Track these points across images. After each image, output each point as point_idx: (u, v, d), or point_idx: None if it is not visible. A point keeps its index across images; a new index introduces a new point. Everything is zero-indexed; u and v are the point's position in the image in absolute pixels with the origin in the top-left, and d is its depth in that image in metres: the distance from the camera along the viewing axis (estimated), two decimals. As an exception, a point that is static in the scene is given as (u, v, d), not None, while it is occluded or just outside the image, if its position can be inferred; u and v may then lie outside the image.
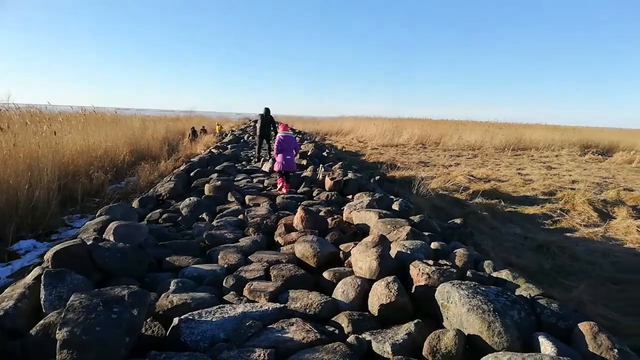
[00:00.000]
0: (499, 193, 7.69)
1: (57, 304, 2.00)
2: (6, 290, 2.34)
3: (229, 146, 11.86)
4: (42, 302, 2.02)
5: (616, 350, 1.61)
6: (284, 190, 5.50)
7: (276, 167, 5.64)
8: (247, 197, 5.00)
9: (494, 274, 2.41)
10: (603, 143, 20.08)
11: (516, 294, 2.10)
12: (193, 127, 16.79)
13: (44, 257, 2.35)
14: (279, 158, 5.57)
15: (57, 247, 2.35)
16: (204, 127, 19.63)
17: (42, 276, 2.09)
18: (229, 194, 5.11)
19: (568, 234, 5.70)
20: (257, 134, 9.35)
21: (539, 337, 1.67)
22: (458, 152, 16.54)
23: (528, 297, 2.03)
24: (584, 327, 1.72)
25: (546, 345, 1.61)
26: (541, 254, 4.75)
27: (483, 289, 1.93)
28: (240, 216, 4.09)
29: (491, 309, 1.77)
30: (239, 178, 6.58)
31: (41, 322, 1.85)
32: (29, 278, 2.28)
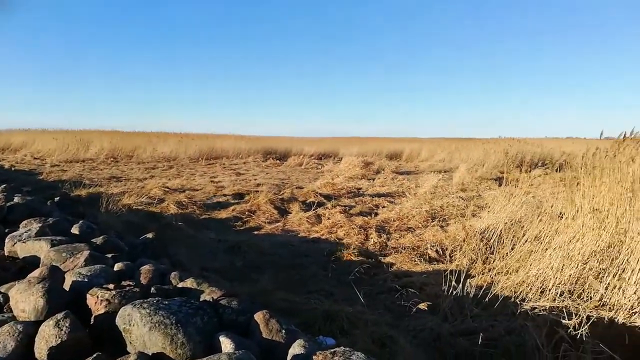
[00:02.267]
0: (194, 202, 7.88)
1: None
2: None
3: None
4: None
5: (284, 331, 1.83)
6: None
7: None
8: None
9: (180, 285, 2.40)
10: (280, 149, 23.31)
11: (201, 299, 2.14)
12: None
13: None
14: None
15: None
16: None
17: None
18: None
19: (255, 232, 6.34)
20: None
21: (220, 337, 1.74)
22: (153, 164, 16.22)
23: (211, 300, 2.10)
24: (258, 316, 1.89)
25: (226, 344, 1.69)
26: (234, 254, 5.10)
27: (166, 302, 1.88)
28: None
29: (173, 321, 1.74)
30: None
31: None
32: None
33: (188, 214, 7.01)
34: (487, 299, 3.24)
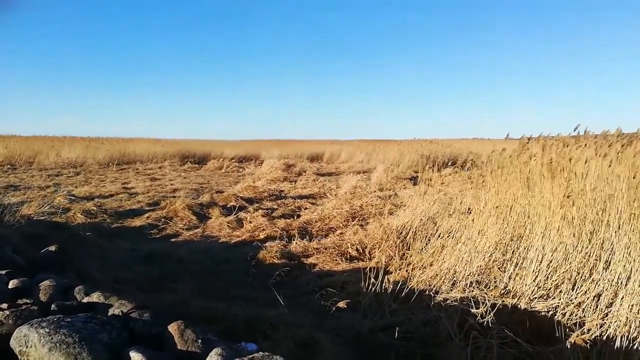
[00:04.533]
0: (104, 210, 7.39)
1: None
2: None
3: None
4: None
5: (200, 341, 1.76)
6: None
7: None
8: None
9: (86, 299, 2.23)
10: (199, 153, 22.64)
11: (109, 314, 2.00)
12: None
13: None
14: None
15: None
16: None
17: None
18: None
19: (173, 239, 6.08)
20: None
21: (130, 352, 1.63)
22: (58, 170, 15.00)
23: (120, 314, 1.97)
24: (172, 327, 1.80)
25: (136, 359, 1.59)
26: (149, 264, 4.84)
27: (69, 320, 1.73)
28: None
29: (77, 339, 1.60)
30: None
31: None
32: None
33: (98, 223, 6.56)
34: (404, 294, 3.37)
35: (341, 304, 3.19)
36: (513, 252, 3.63)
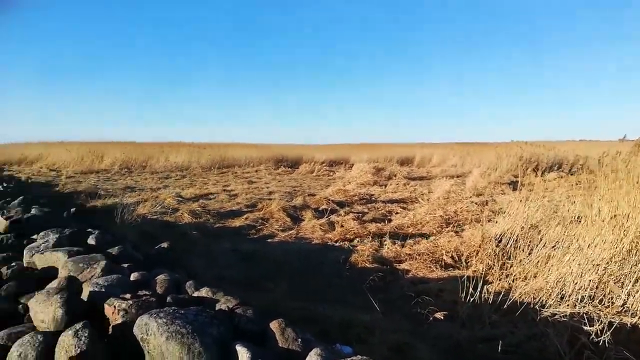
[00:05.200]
0: (208, 210, 7.91)
1: None
2: None
3: None
4: None
5: (300, 340, 1.82)
6: None
7: None
8: None
9: (196, 294, 2.41)
10: (291, 157, 23.35)
11: (216, 309, 2.14)
12: None
13: None
14: None
15: None
16: None
17: None
18: None
19: (269, 240, 6.32)
20: None
21: (237, 347, 1.73)
22: (166, 173, 16.39)
23: (227, 309, 2.10)
24: (274, 325, 1.88)
25: (242, 353, 1.68)
26: (248, 263, 5.09)
27: (182, 312, 1.88)
28: None
29: (190, 330, 1.74)
30: None
31: None
32: None
33: (202, 223, 7.04)
34: (505, 306, 3.18)
35: (439, 315, 3.10)
36: (632, 266, 3.27)
